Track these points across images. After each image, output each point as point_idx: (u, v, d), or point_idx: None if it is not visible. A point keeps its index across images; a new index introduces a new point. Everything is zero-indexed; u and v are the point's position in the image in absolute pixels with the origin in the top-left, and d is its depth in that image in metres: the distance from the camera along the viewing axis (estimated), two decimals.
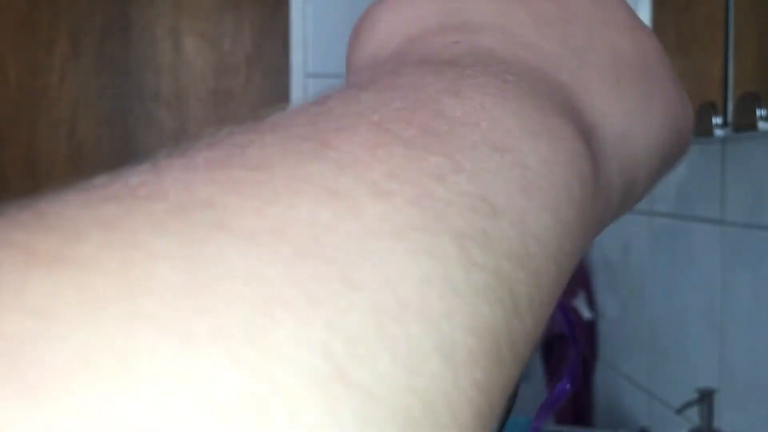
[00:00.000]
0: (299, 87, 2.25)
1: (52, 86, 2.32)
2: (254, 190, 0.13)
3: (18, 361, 0.10)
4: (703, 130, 1.00)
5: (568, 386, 0.32)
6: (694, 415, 1.26)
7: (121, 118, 2.34)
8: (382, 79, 0.18)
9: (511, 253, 0.15)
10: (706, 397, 1.23)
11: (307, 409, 0.11)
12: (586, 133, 0.20)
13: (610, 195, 0.22)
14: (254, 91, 2.34)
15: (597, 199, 0.20)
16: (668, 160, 0.25)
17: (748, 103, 0.92)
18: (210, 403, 0.11)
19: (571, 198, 0.18)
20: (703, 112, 1.01)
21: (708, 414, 1.23)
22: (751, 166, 1.19)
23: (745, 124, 0.92)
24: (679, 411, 1.27)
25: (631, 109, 0.23)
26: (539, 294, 0.16)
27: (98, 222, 0.12)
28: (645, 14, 1.28)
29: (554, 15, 0.24)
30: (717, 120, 0.99)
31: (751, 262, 1.20)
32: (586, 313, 1.80)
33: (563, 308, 0.32)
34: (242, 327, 0.11)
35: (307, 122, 0.16)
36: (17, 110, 2.32)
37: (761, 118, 0.90)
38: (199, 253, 0.12)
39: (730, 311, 1.26)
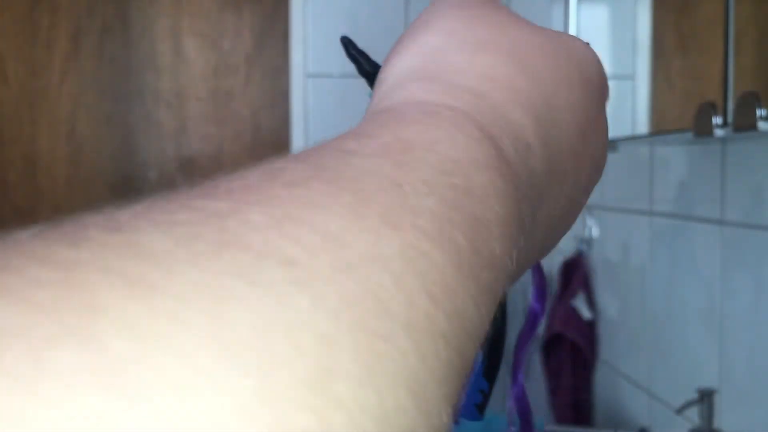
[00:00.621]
0: (299, 87, 2.25)
1: (52, 86, 2.32)
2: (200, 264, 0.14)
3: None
4: (703, 130, 1.00)
5: (537, 306, 0.33)
6: (694, 415, 1.26)
7: (121, 118, 2.34)
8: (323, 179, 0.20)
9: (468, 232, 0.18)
10: (706, 397, 1.23)
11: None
12: (512, 163, 0.22)
13: (533, 201, 0.24)
14: (254, 91, 2.34)
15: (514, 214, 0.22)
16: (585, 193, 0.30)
17: (748, 103, 0.92)
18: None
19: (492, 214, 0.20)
20: (703, 112, 1.01)
21: (708, 414, 1.23)
22: (751, 166, 1.19)
23: (745, 124, 0.92)
24: (679, 411, 1.27)
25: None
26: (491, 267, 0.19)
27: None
28: (645, 14, 1.28)
29: (521, 83, 0.26)
30: (717, 120, 0.99)
31: (751, 262, 1.20)
32: (586, 313, 1.80)
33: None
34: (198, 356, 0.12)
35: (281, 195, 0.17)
36: (17, 110, 2.32)
37: (761, 118, 0.90)
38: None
39: (730, 311, 1.26)
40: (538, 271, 0.34)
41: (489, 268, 0.18)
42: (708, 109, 1.00)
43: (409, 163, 0.19)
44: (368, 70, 0.35)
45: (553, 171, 0.25)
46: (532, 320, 0.33)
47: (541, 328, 2.03)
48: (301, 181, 0.16)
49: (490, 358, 0.32)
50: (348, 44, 0.36)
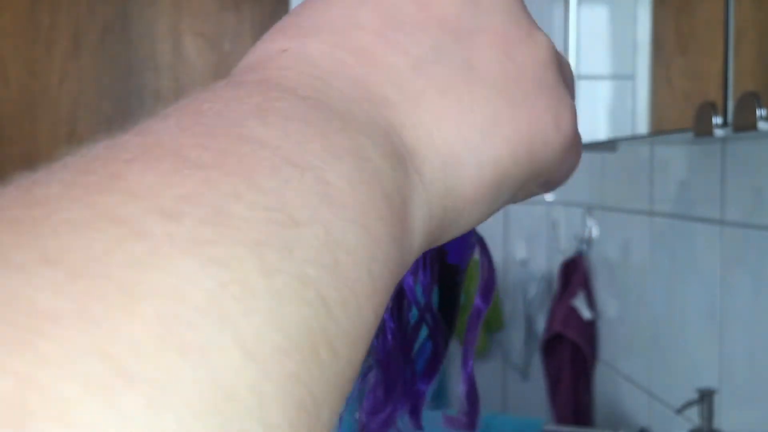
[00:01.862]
0: None
1: (52, 86, 2.32)
2: (29, 227, 0.14)
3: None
4: (703, 130, 1.00)
5: (481, 305, 0.32)
6: (694, 415, 1.26)
7: (121, 118, 2.34)
8: (190, 105, 0.19)
9: (317, 260, 0.16)
10: (706, 397, 1.23)
11: (81, 409, 0.12)
12: (398, 154, 0.20)
13: (429, 216, 0.21)
14: None
15: (409, 218, 0.20)
16: (516, 183, 0.24)
17: (748, 103, 0.92)
18: None
19: (378, 214, 0.18)
20: (703, 112, 1.01)
21: (708, 414, 1.23)
22: (751, 166, 1.19)
23: (745, 124, 0.92)
24: (679, 411, 1.27)
25: (468, 133, 0.22)
26: (354, 299, 0.17)
27: None
28: (645, 14, 1.28)
29: (409, 18, 0.23)
30: (717, 120, 0.99)
31: (751, 262, 1.20)
32: (586, 313, 1.80)
33: (465, 239, 0.32)
34: (9, 342, 0.12)
35: (97, 157, 0.16)
36: (17, 110, 2.32)
37: (761, 118, 0.90)
38: None
39: (730, 311, 1.26)
40: (489, 265, 0.33)
41: (254, 150, 0.17)
42: (708, 109, 1.00)
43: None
44: None
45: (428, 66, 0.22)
46: (474, 317, 0.33)
47: (541, 327, 2.03)
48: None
49: (432, 357, 0.31)
50: None
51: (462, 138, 0.22)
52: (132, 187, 0.15)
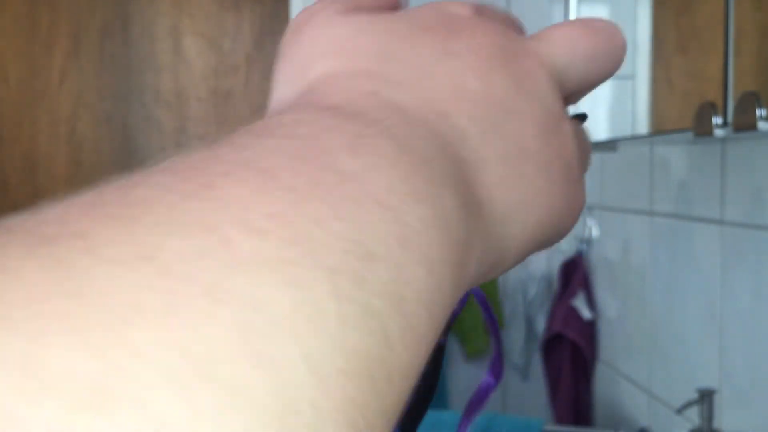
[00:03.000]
0: None
1: (52, 86, 2.32)
2: (126, 224, 0.15)
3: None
4: (703, 130, 1.00)
5: (491, 381, 0.32)
6: (694, 415, 1.26)
7: (121, 118, 2.34)
8: (283, 127, 0.20)
9: (385, 294, 0.17)
10: (706, 397, 1.23)
11: (158, 398, 0.13)
12: (468, 207, 0.22)
13: (480, 263, 0.24)
14: (254, 91, 2.34)
15: (468, 264, 0.22)
16: (541, 246, 0.28)
17: (748, 103, 0.92)
18: (64, 388, 0.12)
19: (444, 259, 0.19)
20: (703, 112, 1.01)
21: (708, 414, 1.23)
22: (751, 166, 1.19)
23: (745, 124, 0.92)
24: (679, 411, 1.27)
25: (518, 199, 0.25)
26: (413, 335, 0.18)
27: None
28: (645, 14, 1.28)
29: (475, 92, 0.25)
30: (717, 120, 0.99)
31: (751, 262, 1.20)
32: (586, 313, 1.80)
33: (482, 301, 0.33)
34: (101, 328, 0.13)
35: (193, 167, 0.17)
36: (17, 110, 2.32)
37: (761, 118, 0.90)
38: (65, 272, 0.13)
39: (730, 311, 1.26)
40: (498, 347, 0.34)
41: (342, 182, 0.18)
42: (708, 109, 1.00)
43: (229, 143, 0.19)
44: None
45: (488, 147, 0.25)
46: (482, 393, 0.33)
47: (541, 327, 2.03)
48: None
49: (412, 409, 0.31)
50: None
51: (515, 202, 0.25)
52: (224, 198, 0.16)
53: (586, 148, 0.30)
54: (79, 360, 0.12)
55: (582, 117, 0.34)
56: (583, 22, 0.30)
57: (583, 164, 0.30)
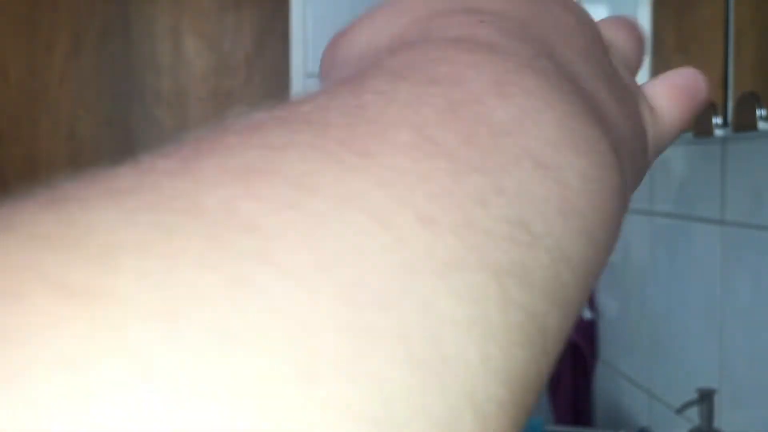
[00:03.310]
0: (299, 87, 2.25)
1: (52, 86, 2.32)
2: (299, 214, 0.13)
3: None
4: (703, 130, 1.00)
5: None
6: (694, 415, 1.26)
7: (121, 118, 2.34)
8: (421, 69, 0.17)
9: (546, 287, 0.15)
10: (706, 397, 1.23)
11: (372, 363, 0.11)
12: (615, 144, 0.19)
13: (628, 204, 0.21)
14: (254, 91, 2.34)
15: (623, 213, 0.19)
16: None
17: (748, 103, 0.92)
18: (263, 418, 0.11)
19: (604, 217, 0.17)
20: (703, 112, 1.01)
21: (708, 414, 1.23)
22: (751, 166, 1.19)
23: (745, 124, 0.92)
24: (679, 411, 1.27)
25: (629, 123, 0.23)
26: (566, 324, 0.16)
27: (135, 247, 0.12)
28: (645, 14, 1.28)
29: (576, 44, 0.23)
30: (717, 120, 0.99)
31: (751, 261, 1.20)
32: (586, 313, 1.80)
33: None
34: (287, 375, 0.11)
35: (343, 122, 0.15)
36: (17, 110, 2.32)
37: (761, 118, 0.90)
38: (241, 294, 0.11)
39: (730, 311, 1.26)
40: None
41: (496, 138, 0.16)
42: (708, 109, 1.00)
43: (364, 81, 0.17)
44: None
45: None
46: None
47: None
48: (256, 128, 0.15)
49: None
50: None
51: (628, 131, 0.22)
52: (384, 174, 0.14)
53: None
54: (281, 392, 0.11)
55: None
56: (683, 86, 0.28)
57: None
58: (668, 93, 0.27)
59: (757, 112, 0.90)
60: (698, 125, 1.01)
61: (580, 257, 0.16)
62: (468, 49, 0.18)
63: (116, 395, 0.10)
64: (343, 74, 0.20)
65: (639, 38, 0.28)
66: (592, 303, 1.83)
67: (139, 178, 0.13)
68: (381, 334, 0.12)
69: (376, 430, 0.11)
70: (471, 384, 0.13)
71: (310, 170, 0.13)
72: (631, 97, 0.24)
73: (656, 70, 1.23)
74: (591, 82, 0.21)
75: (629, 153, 0.22)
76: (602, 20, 0.28)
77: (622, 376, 1.70)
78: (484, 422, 0.13)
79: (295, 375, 0.11)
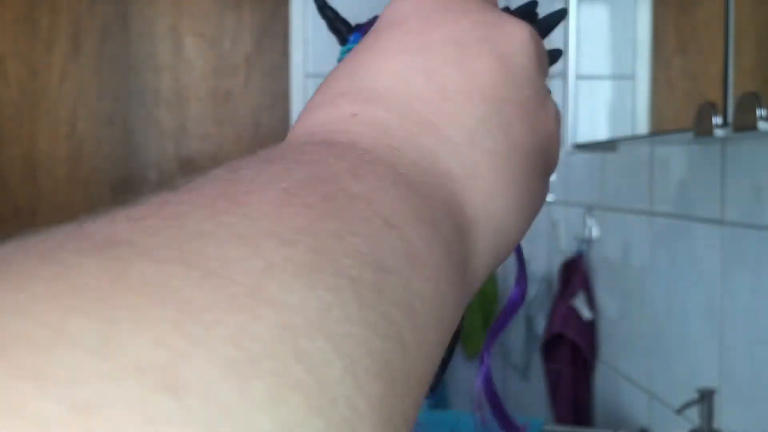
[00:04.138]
0: (299, 87, 2.25)
1: (52, 86, 2.32)
2: (168, 233, 0.16)
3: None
4: (703, 130, 1.00)
5: (517, 298, 0.33)
6: (694, 415, 1.26)
7: (121, 118, 2.34)
8: (289, 155, 0.21)
9: (399, 304, 0.18)
10: (706, 397, 1.23)
11: (220, 385, 0.13)
12: (461, 228, 0.23)
13: (477, 278, 0.25)
14: (254, 91, 2.34)
15: (468, 277, 0.23)
16: (523, 235, 0.29)
17: (748, 103, 0.92)
18: (132, 373, 0.13)
19: (448, 276, 0.21)
20: (703, 112, 1.01)
21: (708, 414, 1.23)
22: (751, 166, 1.19)
23: (745, 124, 0.92)
24: (679, 411, 1.27)
25: (511, 204, 0.26)
26: (425, 342, 0.19)
27: (36, 255, 0.15)
28: (645, 14, 1.28)
29: (456, 88, 0.25)
30: (717, 120, 0.99)
31: (751, 262, 1.20)
32: (586, 313, 1.80)
33: (516, 251, 0.34)
34: (163, 322, 0.14)
35: (220, 186, 0.18)
36: (17, 110, 2.32)
37: (761, 118, 0.90)
38: (121, 269, 0.14)
39: (730, 311, 1.26)
40: (522, 265, 0.34)
41: (352, 201, 0.19)
42: (708, 109, 1.00)
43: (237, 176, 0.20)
44: (338, 27, 0.37)
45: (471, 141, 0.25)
46: (509, 310, 0.34)
47: (541, 327, 2.03)
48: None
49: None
50: (322, 6, 0.38)
51: (507, 209, 0.25)
52: (251, 213, 0.17)
53: (559, 117, 0.30)
54: (149, 347, 0.13)
55: (557, 53, 0.33)
56: None
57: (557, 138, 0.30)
58: None
59: (757, 112, 0.90)
60: (698, 125, 1.01)
61: (430, 299, 0.19)
62: (331, 146, 0.22)
63: None
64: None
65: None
66: (592, 303, 1.83)
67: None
68: (243, 299, 0.15)
69: (252, 359, 0.14)
70: (337, 345, 0.16)
71: (181, 212, 0.17)
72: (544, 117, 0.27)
73: (656, 70, 1.23)
74: (466, 152, 0.24)
75: (496, 237, 0.25)
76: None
77: (622, 376, 1.70)
78: (356, 375, 0.16)
79: (172, 317, 0.14)
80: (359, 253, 0.18)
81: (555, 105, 0.28)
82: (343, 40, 0.35)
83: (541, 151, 0.27)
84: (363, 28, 0.34)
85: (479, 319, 2.20)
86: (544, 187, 0.28)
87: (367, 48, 0.26)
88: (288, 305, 0.15)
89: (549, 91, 0.28)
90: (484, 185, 0.24)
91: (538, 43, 0.27)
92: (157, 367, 0.13)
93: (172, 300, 0.14)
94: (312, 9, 2.19)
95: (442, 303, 0.20)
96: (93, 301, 0.13)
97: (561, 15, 0.33)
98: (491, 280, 2.13)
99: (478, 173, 0.24)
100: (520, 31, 0.27)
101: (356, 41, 0.35)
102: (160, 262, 0.15)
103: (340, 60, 0.35)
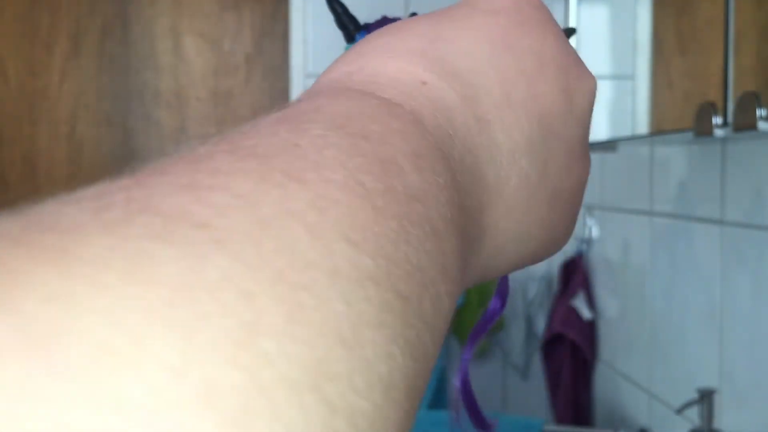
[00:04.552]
0: (299, 87, 2.25)
1: (52, 86, 2.32)
2: (246, 218, 0.15)
3: (40, 342, 0.12)
4: (703, 130, 1.00)
5: (498, 306, 0.34)
6: (694, 415, 1.26)
7: (121, 118, 2.34)
8: (356, 122, 0.20)
9: (430, 321, 0.18)
10: (706, 397, 1.23)
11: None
12: (471, 239, 0.23)
13: (468, 283, 0.24)
14: (254, 91, 2.34)
15: (458, 290, 0.23)
16: (524, 266, 0.28)
17: (748, 103, 0.92)
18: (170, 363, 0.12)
19: (458, 290, 0.21)
20: (703, 112, 1.01)
21: (708, 414, 1.23)
22: (751, 166, 1.19)
23: (745, 124, 0.92)
24: (679, 411, 1.27)
25: (520, 231, 0.25)
26: (433, 359, 0.18)
27: (101, 226, 0.14)
28: (645, 14, 1.28)
29: (520, 97, 0.25)
30: (717, 120, 0.99)
31: (751, 262, 1.20)
32: (586, 313, 1.80)
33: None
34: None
35: (284, 156, 0.17)
36: (17, 110, 2.32)
37: (761, 118, 0.90)
38: (197, 263, 0.14)
39: (730, 311, 1.26)
40: (503, 278, 0.35)
41: (409, 200, 0.18)
42: (708, 109, 1.00)
43: (301, 123, 0.19)
44: (346, 23, 0.37)
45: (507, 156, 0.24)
46: (489, 317, 0.34)
47: (541, 327, 2.03)
48: (205, 156, 0.17)
49: None
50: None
51: (516, 235, 0.25)
52: (320, 202, 0.16)
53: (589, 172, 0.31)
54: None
55: (571, 31, 0.34)
56: None
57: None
58: None
59: (757, 112, 0.90)
60: (698, 125, 1.01)
61: (446, 308, 0.19)
62: (397, 115, 0.21)
63: None
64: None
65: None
66: (592, 303, 1.83)
67: (99, 190, 0.15)
68: (306, 310, 0.14)
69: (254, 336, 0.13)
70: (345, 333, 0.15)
71: (254, 189, 0.16)
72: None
73: (656, 70, 1.23)
74: (505, 162, 0.24)
75: (495, 258, 0.25)
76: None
77: (622, 376, 1.70)
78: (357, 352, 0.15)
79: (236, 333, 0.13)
80: (408, 263, 0.17)
81: (589, 157, 0.29)
82: (350, 38, 0.36)
83: (569, 196, 0.27)
84: (371, 28, 0.35)
85: (480, 318, 2.20)
86: (560, 232, 0.27)
87: (452, 18, 0.25)
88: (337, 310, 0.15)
89: (588, 146, 0.29)
90: (506, 204, 0.24)
91: (595, 97, 0.28)
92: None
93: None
94: (312, 9, 2.19)
95: (447, 318, 0.20)
96: (171, 308, 0.13)
97: (569, 33, 0.35)
98: (491, 281, 2.13)
99: (505, 189, 0.24)
100: (590, 79, 0.28)
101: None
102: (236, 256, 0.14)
103: None
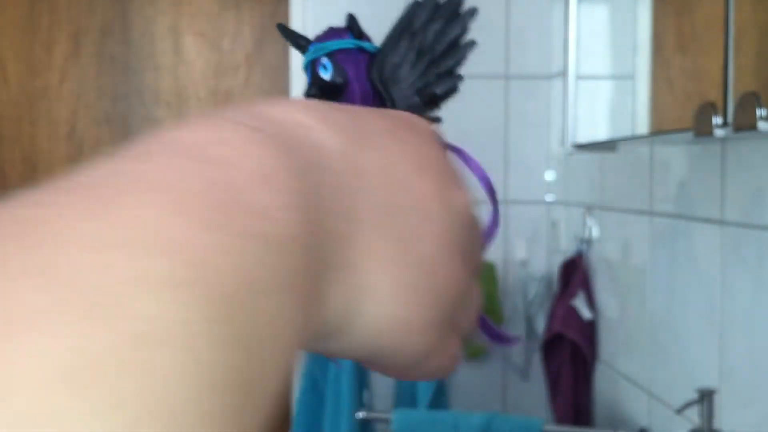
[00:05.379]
0: (299, 87, 2.25)
1: (52, 86, 2.32)
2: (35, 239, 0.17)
3: None
4: (703, 130, 1.00)
5: (492, 229, 0.36)
6: (694, 415, 1.26)
7: (121, 118, 2.34)
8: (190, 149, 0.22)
9: (264, 329, 0.19)
10: (706, 397, 1.23)
11: (53, 388, 0.14)
12: (316, 272, 0.23)
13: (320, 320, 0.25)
14: (254, 90, 2.34)
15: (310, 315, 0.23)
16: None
17: (748, 103, 0.92)
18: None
19: (306, 302, 0.21)
20: (703, 112, 1.01)
21: (708, 414, 1.23)
22: (751, 166, 1.19)
23: (745, 124, 0.92)
24: (679, 411, 1.27)
25: (395, 299, 0.26)
26: (273, 372, 0.19)
27: None
28: (645, 14, 1.28)
29: (402, 176, 0.26)
30: (717, 120, 0.99)
31: (751, 262, 1.20)
32: (586, 313, 1.80)
33: (482, 177, 0.37)
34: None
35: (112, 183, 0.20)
36: (17, 110, 2.32)
37: (761, 118, 0.90)
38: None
39: (730, 311, 1.26)
40: (494, 200, 0.38)
41: (246, 216, 0.19)
42: (708, 109, 1.00)
43: (151, 154, 0.21)
44: (300, 42, 0.44)
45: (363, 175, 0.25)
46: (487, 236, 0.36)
47: (541, 327, 2.03)
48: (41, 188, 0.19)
49: None
50: (284, 29, 0.44)
51: (387, 288, 0.25)
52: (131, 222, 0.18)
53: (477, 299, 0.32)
54: None
55: (436, 120, 0.39)
56: None
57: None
58: None
59: (757, 112, 0.90)
60: (698, 125, 1.01)
61: (290, 323, 0.20)
62: (253, 140, 0.22)
63: None
64: None
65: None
66: (592, 303, 1.83)
67: None
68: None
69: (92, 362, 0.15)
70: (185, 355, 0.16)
71: (58, 214, 0.18)
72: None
73: (656, 70, 1.23)
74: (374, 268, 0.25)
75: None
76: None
77: (622, 376, 1.70)
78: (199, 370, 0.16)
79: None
80: (233, 273, 0.18)
81: (469, 274, 0.29)
82: (304, 52, 0.44)
83: (444, 304, 0.27)
84: (319, 39, 0.41)
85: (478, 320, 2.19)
86: (430, 330, 0.27)
87: (342, 110, 0.27)
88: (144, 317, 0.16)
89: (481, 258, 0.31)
90: (372, 250, 0.25)
91: (472, 212, 0.29)
92: None
93: (16, 311, 0.15)
94: (312, 9, 2.19)
95: (291, 342, 0.20)
96: None
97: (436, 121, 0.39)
98: (491, 279, 2.13)
99: (372, 239, 0.25)
100: (465, 193, 0.29)
101: (314, 50, 0.42)
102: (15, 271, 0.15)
103: (306, 64, 0.42)
